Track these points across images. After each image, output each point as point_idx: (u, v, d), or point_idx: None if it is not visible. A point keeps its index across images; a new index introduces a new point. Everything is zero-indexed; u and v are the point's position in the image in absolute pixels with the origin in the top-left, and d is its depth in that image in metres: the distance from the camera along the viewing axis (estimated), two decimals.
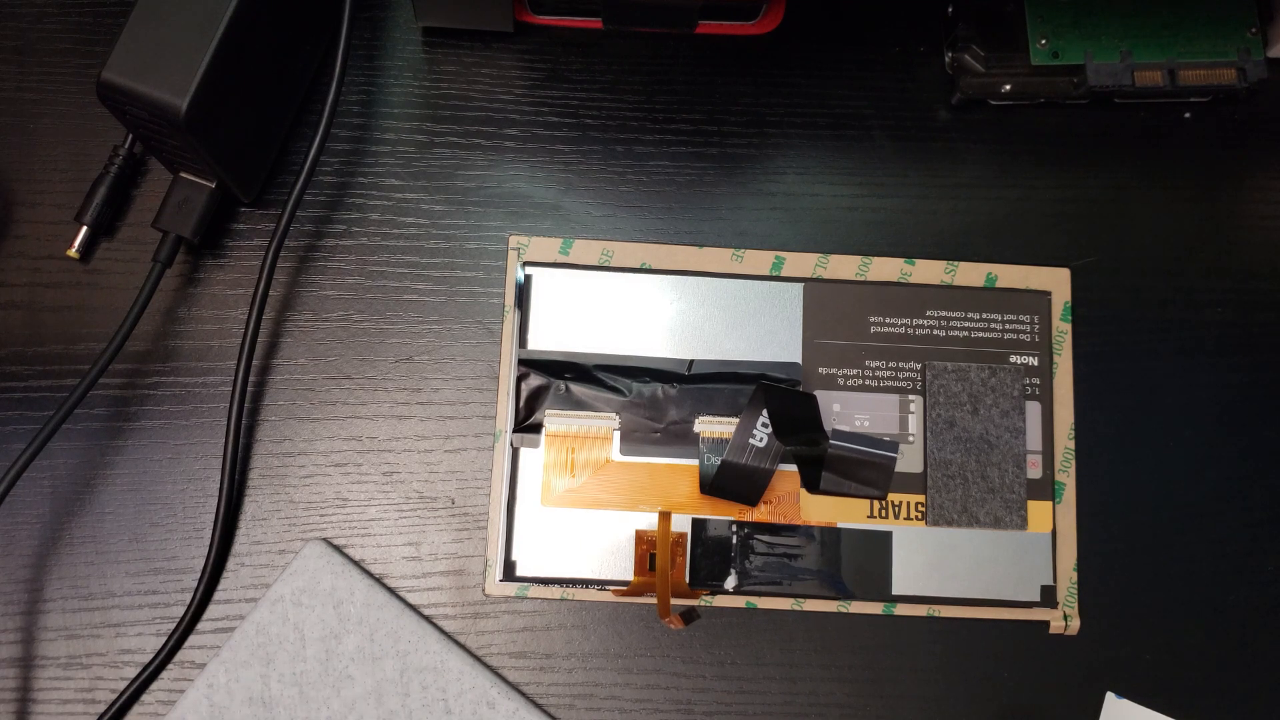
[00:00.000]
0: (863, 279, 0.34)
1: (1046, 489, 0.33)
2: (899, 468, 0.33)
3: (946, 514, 0.32)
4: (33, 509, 0.33)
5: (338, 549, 0.32)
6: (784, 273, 0.34)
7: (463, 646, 0.32)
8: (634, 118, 0.36)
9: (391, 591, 0.32)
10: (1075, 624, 0.32)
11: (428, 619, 0.32)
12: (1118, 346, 0.35)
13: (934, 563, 0.32)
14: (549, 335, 0.33)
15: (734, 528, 0.32)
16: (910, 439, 0.33)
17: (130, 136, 0.34)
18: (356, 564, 0.32)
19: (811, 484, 0.32)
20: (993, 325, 0.34)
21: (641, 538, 0.32)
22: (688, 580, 0.32)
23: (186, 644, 0.32)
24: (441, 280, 0.34)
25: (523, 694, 0.32)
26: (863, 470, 0.32)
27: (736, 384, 0.33)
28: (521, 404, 0.33)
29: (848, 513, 0.32)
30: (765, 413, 0.32)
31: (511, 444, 0.33)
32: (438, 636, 0.31)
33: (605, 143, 0.36)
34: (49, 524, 0.33)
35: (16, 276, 0.34)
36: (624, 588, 0.32)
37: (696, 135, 0.36)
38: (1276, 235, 0.36)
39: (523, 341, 0.33)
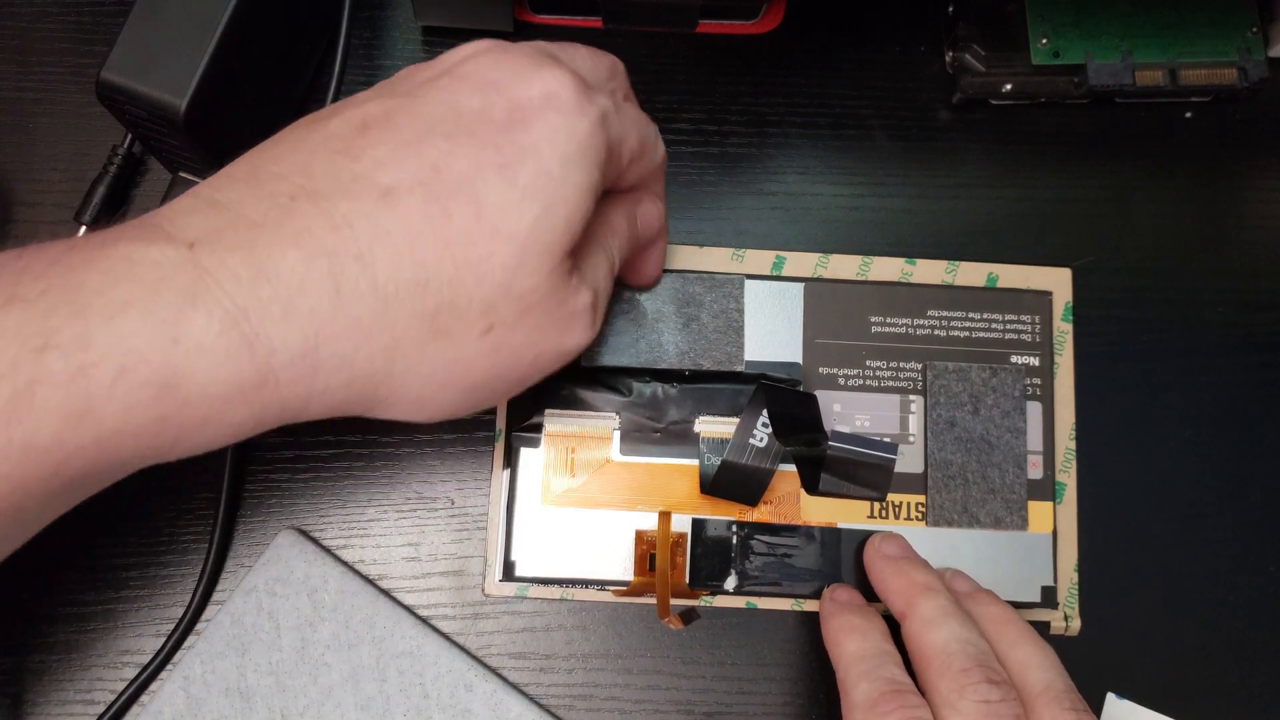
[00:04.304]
0: (863, 279, 0.34)
1: (1047, 489, 0.33)
2: (899, 468, 0.32)
3: (947, 514, 0.32)
4: None
5: (310, 538, 0.32)
6: (784, 272, 0.34)
7: (438, 631, 0.32)
8: None
9: (365, 578, 0.32)
10: (1076, 624, 0.32)
11: (404, 605, 0.32)
12: (1119, 346, 0.35)
13: (935, 563, 0.32)
14: None
15: (734, 528, 0.32)
16: (911, 439, 0.33)
17: (129, 136, 0.34)
18: (329, 552, 0.32)
19: (811, 485, 0.32)
20: (994, 325, 0.34)
21: (641, 538, 0.32)
22: (688, 580, 0.32)
23: (186, 644, 0.32)
24: None
25: (501, 676, 0.32)
26: (862, 472, 0.32)
27: (736, 384, 0.33)
28: (522, 404, 0.33)
29: (848, 513, 0.32)
30: (765, 413, 0.32)
31: (511, 444, 0.33)
32: (413, 621, 0.31)
33: None
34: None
35: None
36: (624, 588, 0.32)
37: (696, 135, 0.36)
38: (1277, 235, 0.36)
39: None
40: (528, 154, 0.22)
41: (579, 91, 0.23)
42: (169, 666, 0.32)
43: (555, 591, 0.32)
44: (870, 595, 0.32)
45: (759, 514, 0.32)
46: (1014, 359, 0.34)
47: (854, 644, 0.28)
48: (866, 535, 0.32)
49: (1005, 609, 0.30)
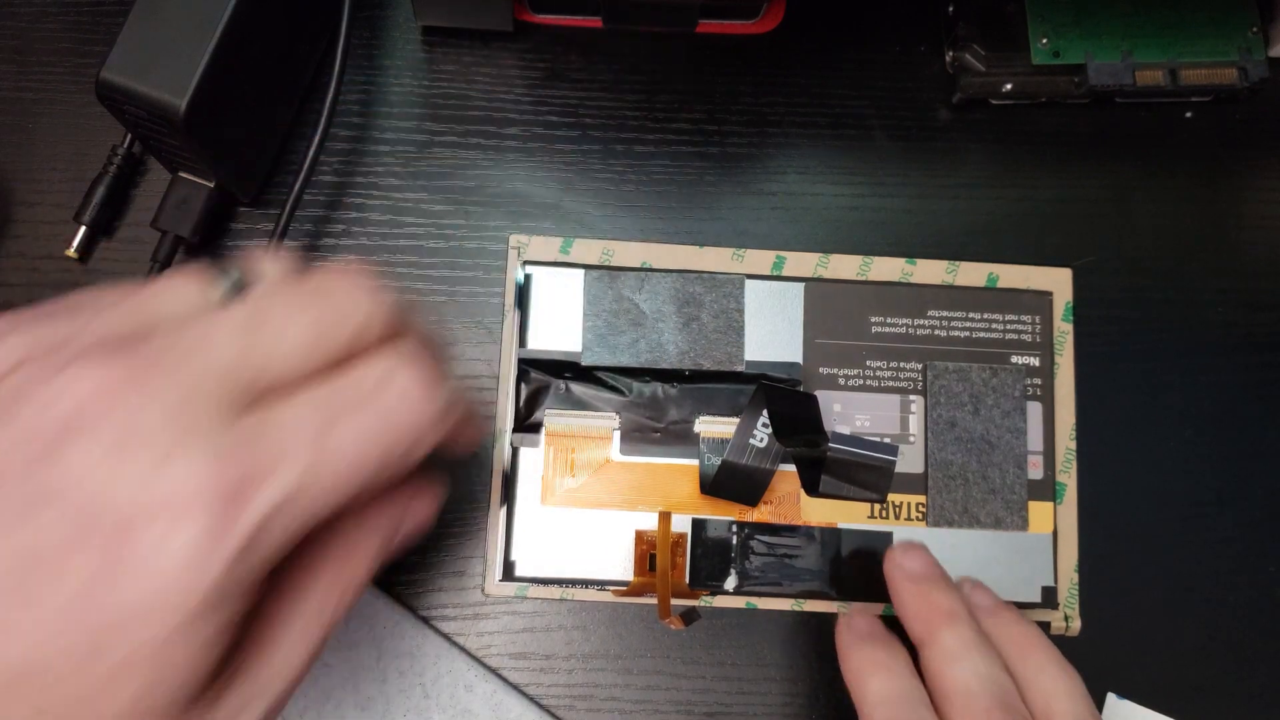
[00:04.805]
0: (864, 279, 0.34)
1: (1048, 490, 0.33)
2: (899, 468, 0.32)
3: (947, 515, 0.32)
4: None
5: None
6: (785, 272, 0.34)
7: (438, 631, 0.32)
8: (634, 117, 0.36)
9: None
10: (1076, 625, 0.32)
11: (404, 605, 0.32)
12: (1119, 346, 0.35)
13: None
14: (549, 335, 0.33)
15: (734, 528, 0.32)
16: (911, 439, 0.33)
17: (129, 136, 0.34)
18: None
19: (811, 486, 0.32)
20: (994, 325, 0.34)
21: (641, 538, 0.32)
22: (688, 581, 0.32)
23: None
24: (441, 280, 0.34)
25: (501, 676, 0.32)
26: (862, 473, 0.32)
27: (736, 384, 0.33)
28: (521, 404, 0.33)
29: (848, 513, 0.32)
30: (765, 413, 0.32)
31: (511, 444, 0.33)
32: (413, 621, 0.31)
33: (605, 142, 0.36)
34: None
35: (15, 276, 0.34)
36: (624, 588, 0.32)
37: (696, 135, 0.36)
38: (1277, 235, 0.36)
39: (523, 341, 0.33)
40: (124, 625, 0.17)
41: (215, 511, 0.17)
42: None
43: (555, 591, 0.32)
44: (875, 595, 0.32)
45: (759, 514, 0.32)
46: (1014, 359, 0.34)
47: (879, 682, 0.27)
48: (867, 535, 0.32)
49: (1029, 628, 0.28)
